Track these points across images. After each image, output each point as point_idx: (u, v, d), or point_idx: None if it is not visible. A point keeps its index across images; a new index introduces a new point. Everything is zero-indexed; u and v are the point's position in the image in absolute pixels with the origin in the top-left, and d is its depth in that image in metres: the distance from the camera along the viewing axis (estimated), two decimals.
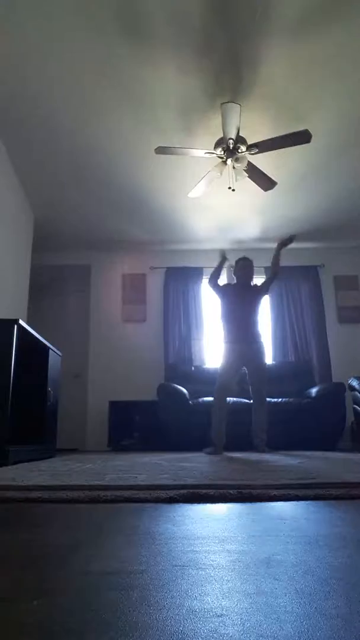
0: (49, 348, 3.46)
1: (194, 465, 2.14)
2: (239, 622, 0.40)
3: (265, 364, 3.90)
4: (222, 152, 3.43)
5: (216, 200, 4.62)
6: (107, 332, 5.71)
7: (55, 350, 3.66)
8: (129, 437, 4.92)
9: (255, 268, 5.75)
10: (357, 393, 4.55)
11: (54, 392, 3.63)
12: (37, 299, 5.25)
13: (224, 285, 4.07)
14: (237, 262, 4.04)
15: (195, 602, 0.45)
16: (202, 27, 2.72)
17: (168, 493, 1.16)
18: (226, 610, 0.43)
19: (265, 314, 5.80)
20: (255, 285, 4.06)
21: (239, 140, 3.32)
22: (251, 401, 4.75)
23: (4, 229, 3.93)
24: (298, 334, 5.62)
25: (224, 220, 5.17)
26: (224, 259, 3.91)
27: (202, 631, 0.38)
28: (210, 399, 4.56)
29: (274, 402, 4.56)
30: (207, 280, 4.04)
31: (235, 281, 4.08)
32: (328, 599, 0.46)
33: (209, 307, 5.64)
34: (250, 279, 4.02)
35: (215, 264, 4.02)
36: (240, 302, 3.90)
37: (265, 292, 4.02)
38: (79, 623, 0.41)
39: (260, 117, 3.47)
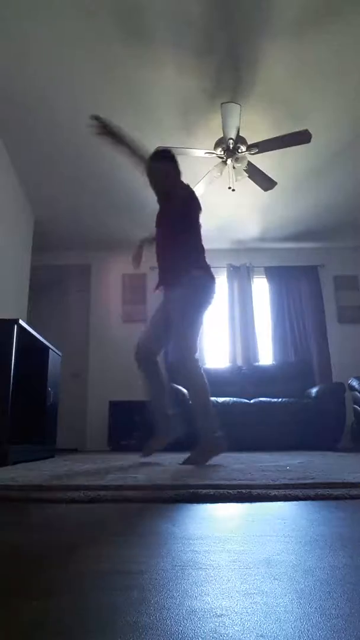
0: (49, 348, 3.46)
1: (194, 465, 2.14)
2: (239, 622, 0.40)
3: (182, 314, 2.35)
4: (222, 152, 3.43)
5: (216, 200, 4.62)
6: (107, 332, 5.71)
7: (55, 350, 3.66)
8: (129, 437, 4.91)
9: (255, 268, 5.85)
10: (357, 393, 4.55)
11: (54, 392, 3.63)
12: (37, 299, 5.24)
13: None
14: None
15: (195, 602, 0.45)
16: (202, 27, 2.72)
17: (168, 493, 1.16)
18: (226, 610, 0.43)
19: (264, 313, 5.79)
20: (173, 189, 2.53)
21: (239, 140, 3.32)
22: (251, 400, 4.71)
23: (4, 229, 3.93)
24: (298, 334, 5.62)
25: (223, 220, 5.17)
26: None
27: (202, 631, 0.38)
28: (212, 398, 4.55)
29: (274, 402, 4.56)
30: None
31: None
32: (328, 599, 0.46)
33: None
34: (167, 181, 2.53)
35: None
36: (158, 221, 2.60)
37: (175, 200, 2.48)
38: (79, 623, 0.41)
39: (260, 117, 3.47)
